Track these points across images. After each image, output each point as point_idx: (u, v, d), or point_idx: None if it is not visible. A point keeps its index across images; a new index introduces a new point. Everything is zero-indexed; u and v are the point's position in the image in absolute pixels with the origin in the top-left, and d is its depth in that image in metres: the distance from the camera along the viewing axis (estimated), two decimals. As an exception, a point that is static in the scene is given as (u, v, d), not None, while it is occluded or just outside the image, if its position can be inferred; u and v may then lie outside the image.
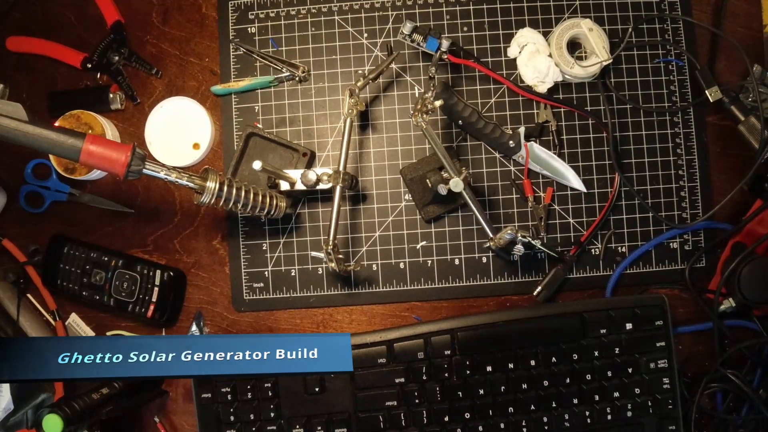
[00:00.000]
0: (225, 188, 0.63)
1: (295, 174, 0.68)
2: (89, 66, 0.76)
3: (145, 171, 0.59)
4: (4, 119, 0.54)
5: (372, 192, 0.74)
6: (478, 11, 0.75)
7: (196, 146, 0.75)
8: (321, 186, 0.67)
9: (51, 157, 0.75)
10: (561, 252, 0.72)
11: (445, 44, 0.68)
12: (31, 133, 0.55)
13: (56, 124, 0.74)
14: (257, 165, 0.63)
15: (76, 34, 0.78)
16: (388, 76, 0.75)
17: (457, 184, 0.64)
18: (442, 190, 0.65)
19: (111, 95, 0.76)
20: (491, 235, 0.66)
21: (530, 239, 0.66)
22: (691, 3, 0.75)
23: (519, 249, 0.65)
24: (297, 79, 0.74)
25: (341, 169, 0.67)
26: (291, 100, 0.75)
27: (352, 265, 0.70)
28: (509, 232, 0.64)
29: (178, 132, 0.75)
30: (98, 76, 0.77)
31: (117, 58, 0.76)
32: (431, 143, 0.66)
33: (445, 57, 0.69)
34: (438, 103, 0.65)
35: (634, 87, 0.74)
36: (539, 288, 0.72)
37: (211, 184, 0.62)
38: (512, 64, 0.74)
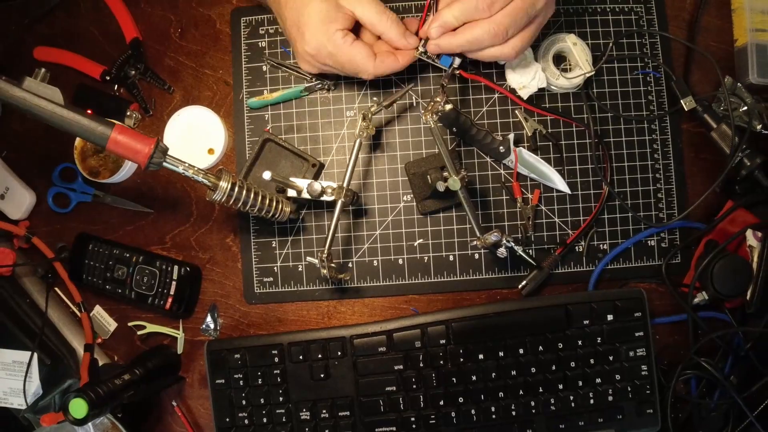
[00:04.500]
0: (236, 189, 0.63)
1: (302, 183, 0.68)
2: (107, 78, 0.76)
3: (165, 164, 0.58)
4: (42, 101, 0.54)
5: (373, 194, 0.74)
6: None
7: (210, 151, 0.75)
8: (325, 198, 0.67)
9: (76, 161, 0.74)
10: (540, 261, 0.72)
11: (457, 61, 0.68)
12: (66, 117, 0.55)
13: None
14: (267, 175, 0.63)
15: (98, 48, 0.77)
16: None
17: (455, 183, 0.64)
18: (441, 187, 0.65)
19: (129, 112, 0.76)
20: (479, 235, 0.66)
21: (513, 245, 0.66)
22: (668, 19, 0.74)
23: (502, 252, 0.65)
24: (326, 88, 0.74)
25: (345, 185, 0.67)
26: (298, 108, 0.75)
27: (343, 276, 0.69)
28: (495, 234, 0.64)
29: (194, 138, 0.75)
30: (115, 87, 0.77)
31: (133, 72, 0.76)
32: (436, 141, 0.66)
33: (458, 72, 0.69)
34: (449, 106, 0.65)
35: (615, 97, 0.74)
36: (524, 282, 0.72)
37: (224, 184, 0.62)
38: (502, 76, 0.74)
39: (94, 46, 0.77)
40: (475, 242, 0.67)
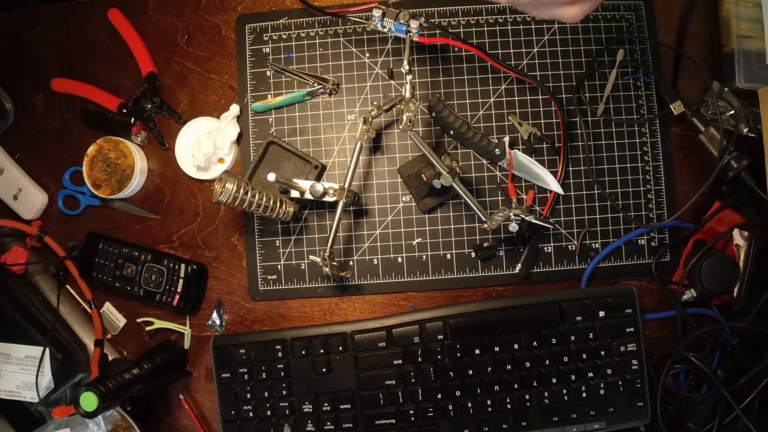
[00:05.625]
0: (241, 191, 0.63)
1: (305, 184, 0.69)
2: (124, 111, 0.76)
3: None
4: None
5: (373, 194, 0.75)
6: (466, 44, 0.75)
7: (221, 161, 0.75)
8: (327, 198, 0.68)
9: (84, 168, 0.74)
10: (552, 222, 0.71)
11: (414, 25, 0.62)
12: None
13: (98, 141, 0.74)
14: (271, 177, 0.64)
15: (114, 80, 0.78)
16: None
17: (446, 179, 0.65)
18: (437, 184, 0.65)
19: (132, 137, 0.76)
20: (484, 219, 0.66)
21: (523, 216, 0.65)
22: (657, 26, 0.75)
23: (514, 227, 0.65)
24: (328, 92, 0.74)
25: (346, 186, 0.67)
26: (301, 112, 0.75)
27: (344, 274, 0.70)
28: (500, 214, 0.64)
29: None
30: (132, 120, 0.76)
31: (149, 106, 0.76)
32: (419, 145, 0.66)
33: (416, 38, 0.65)
34: (414, 107, 0.63)
35: (607, 101, 0.74)
36: (519, 265, 0.72)
37: (230, 186, 0.62)
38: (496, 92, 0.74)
39: (109, 79, 0.78)
40: (484, 226, 0.66)
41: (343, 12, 0.74)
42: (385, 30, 0.67)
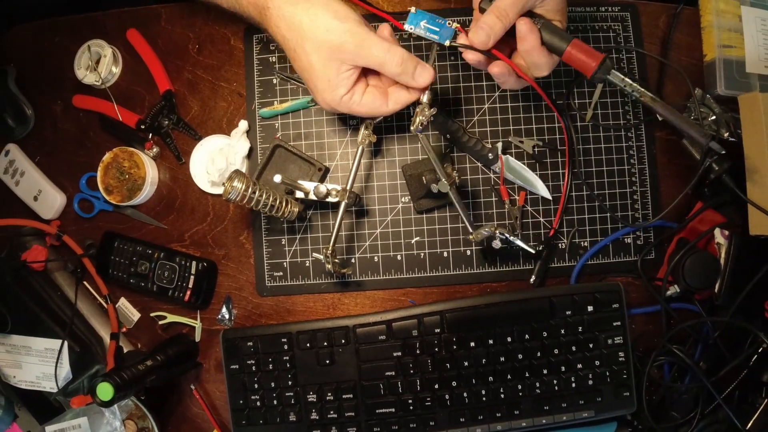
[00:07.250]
0: (249, 190, 0.64)
1: (309, 185, 0.69)
2: (142, 127, 0.77)
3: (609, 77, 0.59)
4: None
5: (374, 195, 0.75)
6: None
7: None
8: (330, 199, 0.69)
9: (98, 173, 0.75)
10: (534, 246, 0.72)
11: (452, 29, 0.60)
12: None
13: (114, 150, 0.75)
14: (278, 178, 0.65)
15: (129, 87, 0.78)
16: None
17: (443, 186, 0.65)
18: (434, 188, 0.66)
19: (146, 150, 0.77)
20: (471, 231, 0.67)
21: (507, 236, 0.66)
22: (643, 36, 0.76)
23: (497, 243, 0.66)
24: None
25: (348, 188, 0.68)
26: (306, 117, 0.76)
27: (346, 270, 0.71)
28: (486, 229, 0.65)
29: (217, 165, 0.74)
30: (150, 136, 0.77)
31: (167, 122, 0.77)
32: (425, 149, 0.67)
33: (446, 43, 0.61)
34: (429, 111, 0.62)
35: (595, 107, 0.75)
36: (533, 276, 0.73)
37: (239, 184, 0.63)
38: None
39: (126, 96, 0.78)
40: (470, 237, 0.67)
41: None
42: (418, 32, 0.62)
